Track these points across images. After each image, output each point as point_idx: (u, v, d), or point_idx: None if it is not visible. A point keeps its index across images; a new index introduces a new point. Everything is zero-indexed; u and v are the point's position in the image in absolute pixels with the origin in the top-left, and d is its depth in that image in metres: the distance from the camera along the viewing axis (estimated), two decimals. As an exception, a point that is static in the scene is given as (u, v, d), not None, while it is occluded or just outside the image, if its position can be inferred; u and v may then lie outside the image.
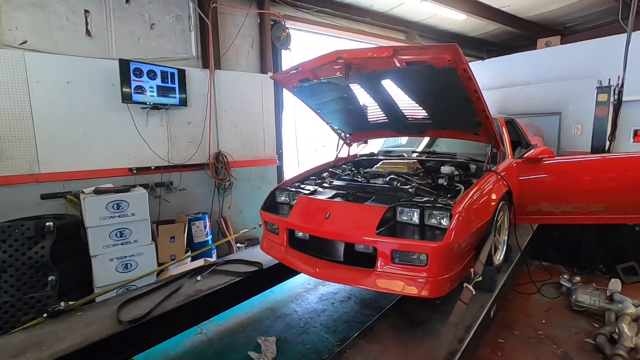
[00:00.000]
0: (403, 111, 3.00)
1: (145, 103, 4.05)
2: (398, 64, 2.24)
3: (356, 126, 3.58)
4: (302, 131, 5.99)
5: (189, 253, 4.09)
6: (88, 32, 3.88)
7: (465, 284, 1.97)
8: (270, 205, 3.01)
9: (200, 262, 3.68)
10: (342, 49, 2.36)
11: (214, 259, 4.20)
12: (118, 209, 3.44)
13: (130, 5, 4.13)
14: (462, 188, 2.51)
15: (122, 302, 2.35)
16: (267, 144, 5.38)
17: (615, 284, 3.27)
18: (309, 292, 3.80)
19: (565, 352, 2.65)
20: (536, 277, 3.74)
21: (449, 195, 2.49)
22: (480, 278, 2.09)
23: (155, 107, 4.17)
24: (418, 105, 2.82)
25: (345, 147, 3.78)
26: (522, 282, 3.61)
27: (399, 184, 2.71)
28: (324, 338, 2.95)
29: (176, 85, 4.25)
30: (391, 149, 4.20)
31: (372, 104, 3.06)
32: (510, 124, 3.99)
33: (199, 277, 2.80)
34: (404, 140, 4.35)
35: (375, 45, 6.16)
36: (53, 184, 3.71)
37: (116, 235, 3.46)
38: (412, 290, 2.01)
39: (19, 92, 3.49)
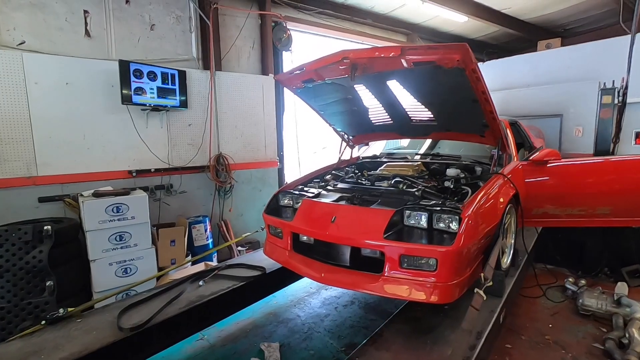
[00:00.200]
0: (408, 113, 2.97)
1: (145, 104, 4.00)
2: (405, 64, 2.20)
3: (359, 128, 3.54)
4: (302, 133, 5.95)
5: (190, 257, 4.03)
6: (87, 33, 3.83)
7: (476, 290, 1.93)
8: (274, 208, 2.96)
9: (201, 266, 3.62)
10: (348, 49, 2.33)
11: (214, 262, 4.14)
12: (117, 212, 3.38)
13: (130, 5, 4.08)
14: (469, 191, 2.47)
15: (122, 309, 2.29)
16: (268, 146, 5.33)
17: (622, 288, 3.23)
18: (311, 296, 3.74)
19: (575, 357, 2.61)
20: (541, 281, 3.69)
21: (455, 199, 2.45)
22: (491, 283, 2.05)
23: (156, 108, 4.12)
24: (424, 107, 2.78)
25: (348, 149, 3.74)
26: (527, 285, 3.57)
27: (404, 187, 2.66)
28: (328, 344, 2.89)
29: (176, 87, 4.20)
30: (393, 151, 4.16)
31: (377, 106, 3.02)
32: (514, 125, 3.96)
33: (200, 282, 2.74)
34: (404, 142, 4.31)
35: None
36: (51, 186, 3.65)
37: (116, 239, 3.40)
38: (421, 296, 1.97)
39: (17, 93, 3.43)
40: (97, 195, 3.41)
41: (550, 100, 5.94)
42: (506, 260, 2.76)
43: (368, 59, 2.32)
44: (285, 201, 2.95)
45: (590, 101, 5.40)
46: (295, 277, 3.16)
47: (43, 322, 2.18)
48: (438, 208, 2.16)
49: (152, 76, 3.97)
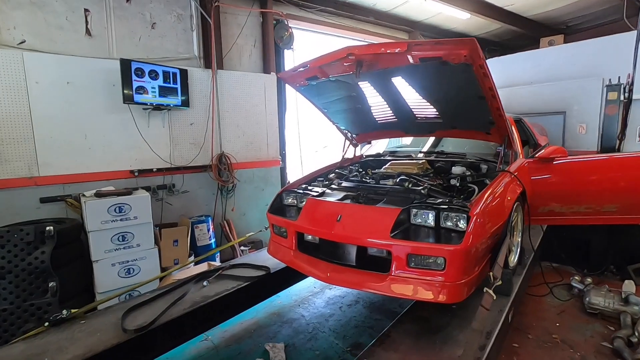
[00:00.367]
0: (413, 110, 2.93)
1: (146, 104, 3.97)
2: (412, 60, 2.17)
3: (363, 126, 3.50)
4: (304, 132, 5.92)
5: (193, 257, 4.01)
6: (88, 32, 3.80)
7: (485, 289, 1.90)
8: (278, 207, 2.93)
9: (204, 266, 3.59)
10: (353, 45, 2.29)
11: (217, 262, 4.12)
12: (120, 212, 3.35)
13: (130, 4, 4.05)
14: (476, 189, 2.43)
15: (126, 310, 2.26)
16: (270, 145, 5.30)
17: (629, 286, 3.20)
18: (315, 296, 3.71)
19: (583, 356, 2.58)
20: (546, 279, 3.66)
21: (462, 197, 2.41)
22: (500, 282, 2.02)
23: (157, 107, 4.09)
24: (429, 104, 2.75)
25: (351, 147, 3.71)
26: (533, 284, 3.54)
27: (410, 185, 2.63)
28: (333, 344, 2.86)
29: (178, 86, 4.17)
30: (397, 149, 4.13)
31: (381, 103, 2.99)
32: (519, 123, 3.92)
33: (205, 283, 2.72)
34: (407, 140, 4.28)
35: (378, 45, 6.10)
36: (53, 187, 3.62)
37: (118, 239, 3.38)
38: (429, 296, 1.94)
39: (18, 93, 3.40)
40: (99, 195, 3.38)
41: (553, 98, 5.90)
42: (513, 259, 2.73)
43: (373, 55, 2.29)
44: (289, 200, 2.92)
45: (593, 98, 5.36)
46: (300, 276, 3.13)
47: (46, 323, 2.15)
48: (445, 206, 2.13)
49: (153, 75, 3.94)
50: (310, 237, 2.58)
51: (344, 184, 2.98)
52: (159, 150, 4.25)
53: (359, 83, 2.74)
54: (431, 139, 3.94)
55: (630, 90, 3.87)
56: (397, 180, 2.77)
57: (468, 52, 1.98)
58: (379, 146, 4.19)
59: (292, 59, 5.54)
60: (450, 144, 3.77)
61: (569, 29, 7.88)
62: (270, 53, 5.19)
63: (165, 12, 4.31)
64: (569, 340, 2.77)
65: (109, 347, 1.92)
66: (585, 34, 7.30)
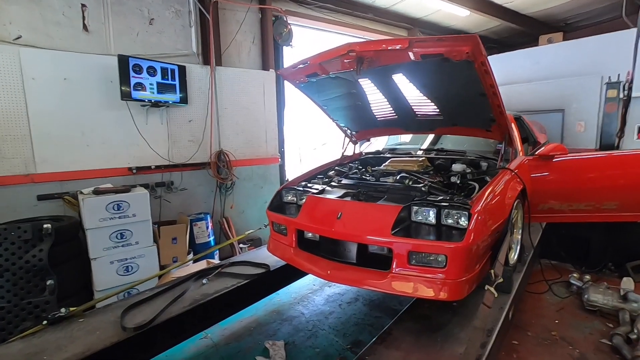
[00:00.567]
0: (413, 107, 2.92)
1: (144, 100, 3.94)
2: (413, 57, 2.15)
3: (363, 123, 3.49)
4: (302, 130, 5.91)
5: (191, 255, 3.99)
6: (85, 27, 3.76)
7: (487, 287, 1.89)
8: (277, 205, 2.91)
9: (202, 264, 3.58)
10: (353, 41, 2.28)
11: (216, 260, 4.10)
12: (118, 209, 3.33)
13: (128, -1, 4.01)
14: (477, 186, 2.43)
15: (125, 308, 2.24)
16: (269, 143, 5.28)
17: (628, 283, 3.20)
18: (314, 293, 3.71)
19: (582, 353, 2.59)
20: (546, 276, 3.67)
21: (463, 194, 2.41)
22: (502, 279, 2.02)
23: (155, 104, 4.06)
24: (429, 101, 2.74)
25: (351, 145, 3.69)
26: (532, 281, 3.55)
27: (410, 183, 2.63)
28: (333, 341, 2.86)
29: (176, 82, 4.14)
30: (396, 146, 4.11)
31: (381, 100, 2.98)
32: (518, 120, 3.92)
33: (204, 281, 2.70)
34: (406, 138, 4.26)
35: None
36: (50, 184, 3.59)
37: (116, 237, 3.36)
38: (430, 293, 1.93)
39: (14, 89, 3.36)
40: (97, 192, 3.35)
41: (552, 95, 5.91)
42: (513, 256, 2.73)
43: (374, 52, 2.26)
44: (289, 198, 2.91)
45: (592, 96, 5.37)
46: (300, 274, 3.13)
47: (44, 322, 2.14)
48: (447, 204, 2.12)
49: (151, 71, 3.91)
50: (310, 234, 2.57)
51: (344, 181, 2.97)
52: (158, 147, 4.22)
53: (360, 80, 2.72)
54: (430, 137, 3.93)
55: (630, 88, 3.88)
56: (398, 177, 2.76)
57: (470, 49, 1.97)
58: (378, 143, 4.18)
59: (291, 56, 5.51)
60: (450, 142, 3.77)
61: (568, 27, 7.88)
62: (269, 50, 5.16)
63: (164, 7, 4.27)
64: (568, 337, 2.78)
65: (109, 346, 1.91)
66: (584, 31, 7.30)
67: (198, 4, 4.42)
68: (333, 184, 2.94)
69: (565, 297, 3.39)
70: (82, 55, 3.69)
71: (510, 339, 2.75)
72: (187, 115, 4.44)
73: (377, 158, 3.63)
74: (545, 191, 3.13)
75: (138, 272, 3.48)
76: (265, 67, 5.22)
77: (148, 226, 3.56)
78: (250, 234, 3.90)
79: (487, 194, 2.17)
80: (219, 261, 3.74)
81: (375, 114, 3.21)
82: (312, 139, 6.54)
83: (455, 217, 2.07)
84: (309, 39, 6.03)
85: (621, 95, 4.20)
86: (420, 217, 2.19)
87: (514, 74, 6.46)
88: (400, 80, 2.56)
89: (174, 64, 4.11)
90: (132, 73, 3.78)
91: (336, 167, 3.43)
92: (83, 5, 3.72)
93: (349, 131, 3.60)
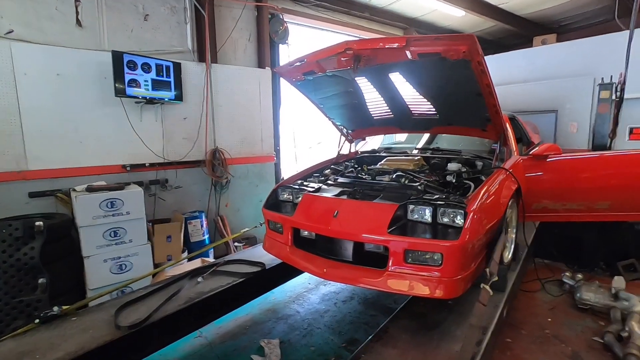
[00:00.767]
0: (409, 106, 2.93)
1: (139, 97, 3.90)
2: (410, 56, 2.16)
3: (359, 122, 3.49)
4: (298, 128, 5.90)
5: (186, 253, 3.96)
6: (79, 22, 3.70)
7: (482, 285, 1.90)
8: (273, 203, 2.90)
9: (197, 263, 3.56)
10: (351, 39, 2.27)
11: (210, 258, 4.08)
12: (112, 207, 3.30)
13: (122, -6, 3.96)
14: (472, 185, 2.45)
15: (119, 306, 2.22)
16: (265, 141, 5.26)
17: (619, 282, 3.24)
18: (310, 292, 3.71)
19: (575, 351, 2.62)
20: (539, 275, 3.71)
21: (458, 193, 2.42)
22: (497, 278, 2.03)
23: (150, 101, 4.02)
24: (426, 100, 2.75)
25: (346, 143, 3.69)
26: (525, 279, 3.58)
27: (406, 181, 2.63)
28: (329, 340, 2.86)
29: (171, 79, 4.10)
30: (392, 145, 4.12)
31: (378, 99, 2.98)
32: (513, 120, 3.95)
33: (199, 279, 2.69)
34: (401, 137, 4.27)
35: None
36: (42, 181, 3.54)
37: (110, 235, 3.32)
38: (425, 291, 1.94)
39: (5, 84, 3.31)
40: (91, 190, 3.31)
41: (545, 96, 5.96)
42: (508, 255, 2.76)
43: (372, 50, 2.27)
44: (285, 196, 2.90)
45: (585, 97, 5.43)
46: (296, 272, 3.12)
47: (36, 321, 2.11)
48: (442, 202, 2.13)
49: (146, 68, 3.87)
50: (306, 232, 2.57)
51: (340, 179, 2.97)
52: (152, 144, 4.18)
53: (356, 78, 2.72)
54: (426, 136, 3.95)
55: (622, 90, 3.92)
56: (394, 176, 2.77)
57: (467, 48, 1.98)
58: (375, 142, 4.18)
59: (287, 54, 5.49)
60: (445, 141, 3.78)
61: (561, 29, 7.96)
62: (265, 47, 5.14)
63: (159, 3, 4.22)
64: (560, 336, 2.81)
65: (102, 344, 1.89)
66: (577, 33, 7.37)
67: (193, 1, 4.39)
68: (329, 182, 2.93)
69: (558, 296, 3.43)
70: (75, 51, 3.64)
71: (504, 337, 2.77)
72: (182, 112, 4.41)
73: (373, 157, 3.64)
74: (539, 191, 3.17)
75: (132, 270, 3.44)
76: (261, 64, 5.19)
77: (142, 224, 3.53)
78: (246, 233, 3.89)
79: (482, 193, 2.18)
80: (213, 260, 3.72)
81: (371, 112, 3.21)
82: (307, 137, 6.52)
83: (451, 215, 2.08)
84: (305, 38, 6.01)
85: (614, 97, 4.25)
86: (416, 216, 2.20)
87: (508, 75, 6.51)
88: (397, 79, 2.57)
89: (169, 61, 4.07)
90: (126, 69, 3.73)
91: (332, 166, 3.43)
92: (76, 0, 3.67)
93: (345, 130, 3.60)
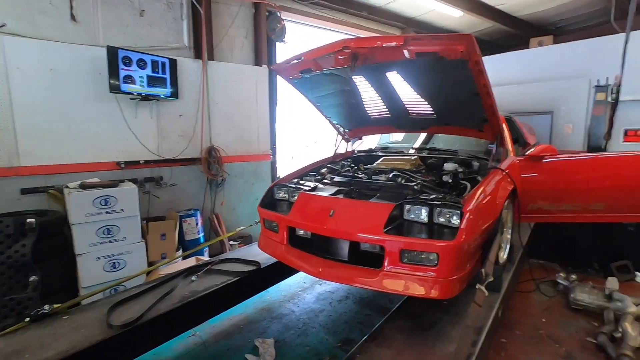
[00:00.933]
0: (406, 106, 2.92)
1: (134, 94, 3.86)
2: (408, 55, 2.15)
3: (356, 121, 3.48)
4: (294, 127, 5.88)
5: (180, 251, 3.93)
6: (73, 17, 3.65)
7: (478, 285, 1.90)
8: (269, 202, 2.88)
9: (192, 261, 3.53)
10: (348, 38, 2.26)
11: (205, 257, 4.05)
12: (105, 204, 3.26)
13: (118, -11, 3.91)
14: (468, 185, 2.44)
15: (112, 305, 2.19)
16: (261, 139, 5.24)
17: (612, 283, 3.26)
18: (305, 291, 3.69)
19: (568, 351, 2.62)
20: (533, 275, 3.72)
21: (455, 193, 2.42)
22: (492, 278, 2.03)
23: (145, 98, 3.98)
24: (423, 100, 2.74)
25: (343, 143, 3.68)
26: (520, 280, 3.59)
27: (403, 181, 2.63)
28: (323, 339, 2.85)
29: (167, 76, 4.06)
30: (388, 145, 4.12)
31: (375, 98, 2.97)
32: (509, 121, 3.96)
33: (193, 278, 2.66)
34: (398, 136, 4.27)
35: (371, 40, 6.07)
36: (34, 178, 3.49)
37: (103, 232, 3.29)
38: (421, 291, 1.93)
39: (-3, 79, 3.26)
40: (84, 187, 3.27)
41: (541, 98, 5.98)
42: (503, 255, 2.76)
43: (369, 49, 2.26)
44: (281, 194, 2.88)
45: (581, 99, 5.46)
46: (291, 271, 3.11)
47: (27, 319, 2.07)
48: (439, 202, 2.13)
49: (141, 64, 3.83)
50: (302, 231, 2.56)
51: (337, 179, 2.96)
52: (147, 141, 4.14)
53: (353, 77, 2.71)
54: (422, 136, 3.95)
55: (618, 92, 3.95)
56: (390, 175, 2.76)
57: (465, 48, 1.97)
58: (371, 142, 4.17)
59: (284, 52, 5.46)
60: (441, 141, 3.79)
61: (558, 30, 8.00)
62: (262, 45, 5.11)
63: (155, -1, 4.19)
64: (555, 336, 2.82)
65: (94, 343, 1.86)
66: (573, 35, 7.42)
67: (190, -3, 4.35)
68: (325, 181, 2.92)
69: (552, 296, 3.44)
70: (69, 46, 3.60)
71: (498, 337, 2.78)
72: (177, 109, 4.37)
73: (369, 156, 3.63)
74: (534, 191, 3.17)
75: (125, 268, 3.41)
76: (258, 62, 5.16)
77: (136, 222, 3.49)
78: (241, 231, 3.86)
79: (478, 193, 2.18)
80: (208, 258, 3.69)
81: (368, 112, 3.20)
82: (303, 136, 6.51)
83: (447, 215, 2.08)
84: (302, 36, 5.99)
85: (609, 99, 4.28)
86: (412, 216, 2.19)
87: (505, 76, 6.52)
88: (394, 78, 2.56)
89: (165, 57, 4.04)
90: (121, 65, 3.69)
91: (329, 165, 3.41)
92: (71, -6, 3.62)
93: (341, 129, 3.59)
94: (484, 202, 2.20)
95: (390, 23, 6.88)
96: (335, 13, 6.00)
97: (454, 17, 6.56)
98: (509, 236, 2.90)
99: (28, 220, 2.80)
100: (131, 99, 3.94)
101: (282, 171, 5.65)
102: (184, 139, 4.44)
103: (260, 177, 5.27)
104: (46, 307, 2.13)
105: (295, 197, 2.64)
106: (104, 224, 3.29)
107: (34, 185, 3.48)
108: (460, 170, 2.85)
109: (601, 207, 3.07)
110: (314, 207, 2.46)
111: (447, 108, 2.78)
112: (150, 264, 3.67)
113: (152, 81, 3.94)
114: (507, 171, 2.67)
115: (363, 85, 2.81)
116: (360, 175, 2.97)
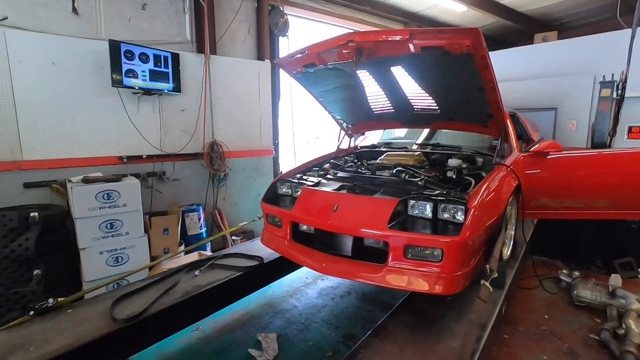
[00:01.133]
0: (411, 101, 2.90)
1: (136, 88, 3.84)
2: (413, 49, 2.12)
3: (359, 116, 3.46)
4: (297, 122, 5.85)
5: (183, 246, 3.94)
6: (75, 10, 3.63)
7: (482, 281, 1.90)
8: (272, 197, 2.88)
9: (194, 256, 3.53)
10: (353, 31, 2.23)
11: (208, 252, 4.06)
12: (108, 199, 3.26)
13: (120, -18, 3.88)
14: (472, 181, 2.43)
15: (115, 299, 2.19)
16: (264, 134, 5.22)
17: (616, 279, 3.25)
18: (308, 286, 3.70)
19: (571, 348, 2.62)
20: (536, 272, 3.72)
21: (459, 189, 2.41)
22: (497, 274, 2.02)
23: (148, 92, 3.96)
24: (428, 95, 2.72)
25: (346, 138, 3.67)
26: (523, 276, 3.59)
27: (407, 177, 2.61)
28: (326, 334, 2.86)
29: (170, 70, 4.04)
30: (392, 140, 4.10)
31: (379, 93, 2.95)
32: (513, 117, 3.93)
33: (196, 272, 2.66)
34: (401, 132, 4.25)
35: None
36: (37, 172, 3.49)
37: (106, 227, 3.29)
38: (425, 287, 1.93)
39: (0, 72, 3.23)
40: (87, 181, 3.27)
41: (545, 94, 5.95)
42: (507, 252, 2.75)
43: (374, 43, 2.23)
44: (284, 190, 2.88)
45: (585, 95, 5.42)
46: (294, 267, 3.10)
47: (31, 312, 2.08)
48: (443, 198, 2.11)
49: (144, 58, 3.81)
50: (305, 227, 2.55)
51: (340, 174, 2.95)
52: (149, 136, 4.13)
53: (358, 72, 2.68)
54: (425, 131, 3.93)
55: (624, 88, 3.91)
56: (394, 171, 2.75)
57: (471, 42, 1.95)
58: (374, 137, 4.16)
59: (286, 46, 5.43)
60: (444, 137, 3.76)
61: (562, 26, 7.92)
62: (265, 40, 5.08)
63: (157, -8, 4.15)
64: (557, 332, 2.82)
65: (98, 337, 1.86)
66: (578, 31, 7.34)
67: (192, -10, 4.32)
68: (329, 176, 2.91)
69: (555, 293, 3.44)
70: (71, 39, 3.57)
71: (501, 334, 2.78)
72: (180, 104, 4.35)
73: (372, 152, 3.61)
74: (539, 188, 3.15)
75: (128, 263, 3.42)
76: (260, 57, 5.13)
77: (139, 216, 3.49)
78: (244, 227, 3.86)
79: (483, 189, 2.16)
80: (211, 253, 3.70)
81: (372, 106, 3.18)
82: (306, 132, 6.48)
83: (452, 211, 2.07)
84: (305, 30, 5.95)
85: (614, 95, 4.24)
86: (416, 211, 2.18)
87: (509, 72, 6.48)
88: (399, 72, 2.53)
89: (167, 51, 4.01)
90: (123, 59, 3.67)
91: (332, 160, 3.40)
92: (73, -13, 3.60)
93: (345, 124, 3.57)
94: (488, 198, 2.19)
95: (393, 18, 6.83)
96: (338, 7, 5.95)
97: (458, 12, 6.50)
98: (512, 232, 2.89)
99: (31, 214, 2.80)
100: (133, 93, 3.93)
101: (285, 167, 5.64)
102: (186, 133, 4.43)
103: (262, 172, 5.26)
104: (50, 300, 2.13)
105: (299, 193, 2.63)
106: (106, 219, 3.29)
107: (37, 180, 3.48)
108: (464, 166, 2.83)
109: (605, 204, 3.06)
110: (318, 202, 2.45)
111: (452, 103, 2.76)
112: (152, 258, 3.68)
113: (155, 75, 3.92)
114: (511, 167, 2.66)
115: (367, 80, 2.78)
116: (363, 171, 2.96)
